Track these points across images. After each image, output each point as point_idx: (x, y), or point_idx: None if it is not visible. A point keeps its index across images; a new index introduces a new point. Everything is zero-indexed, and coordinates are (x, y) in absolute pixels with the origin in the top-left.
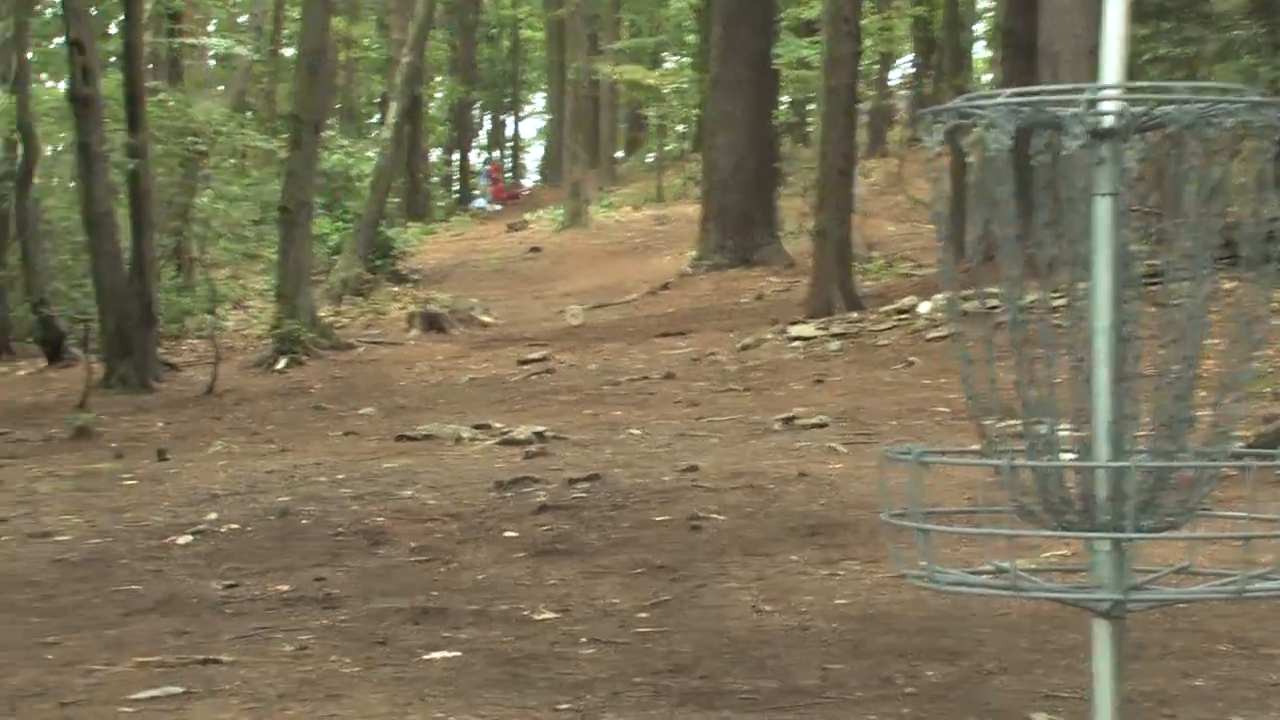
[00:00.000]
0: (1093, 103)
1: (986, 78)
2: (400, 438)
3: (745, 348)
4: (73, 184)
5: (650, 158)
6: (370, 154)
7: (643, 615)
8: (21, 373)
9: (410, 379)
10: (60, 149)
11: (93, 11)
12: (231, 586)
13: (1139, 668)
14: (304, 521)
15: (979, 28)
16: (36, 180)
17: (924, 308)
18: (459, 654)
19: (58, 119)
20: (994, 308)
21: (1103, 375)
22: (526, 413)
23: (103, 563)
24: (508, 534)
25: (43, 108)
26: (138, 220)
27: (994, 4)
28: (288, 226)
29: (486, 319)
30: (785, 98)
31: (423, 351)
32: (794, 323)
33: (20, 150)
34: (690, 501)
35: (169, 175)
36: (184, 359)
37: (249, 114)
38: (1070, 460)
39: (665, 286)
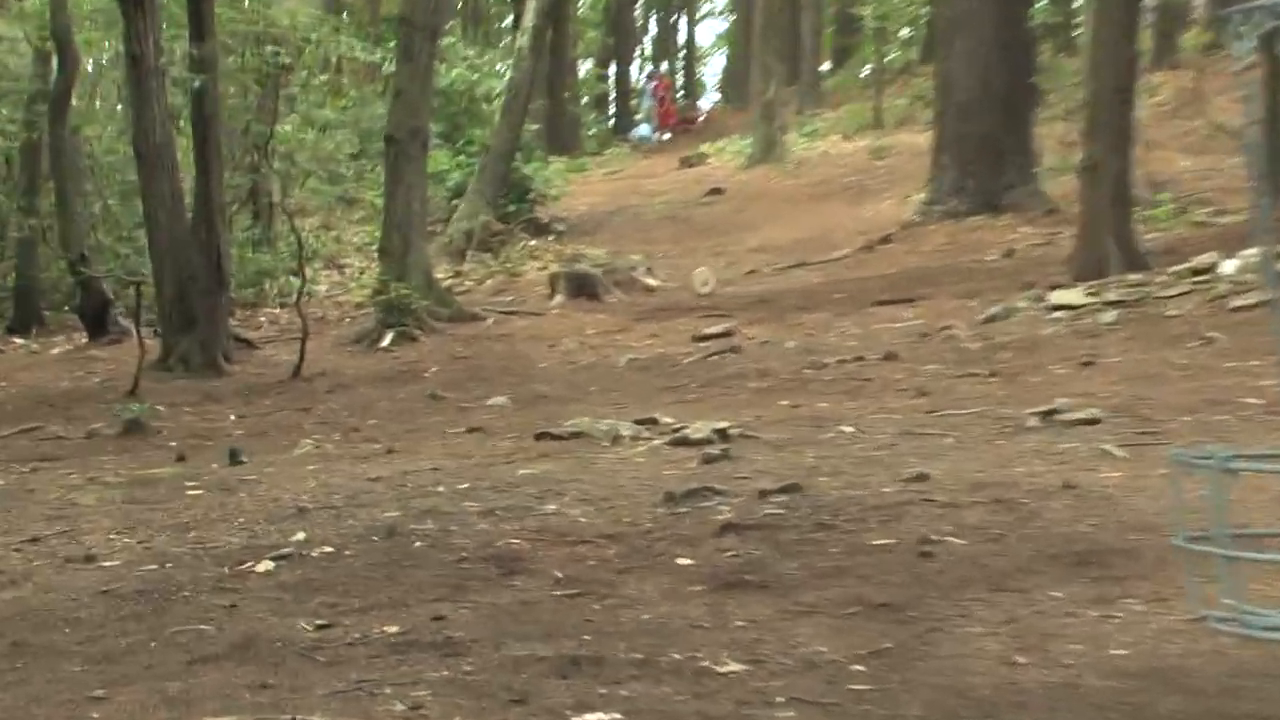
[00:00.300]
0: None
1: None
2: (541, 436)
3: (991, 319)
4: (120, 107)
5: (866, 71)
6: (501, 68)
7: (858, 668)
8: (56, 350)
9: (553, 360)
10: (105, 62)
11: None
12: (325, 627)
13: None
14: (418, 544)
15: None
16: (75, 102)
17: (1228, 267)
18: (618, 716)
19: (102, 24)
20: None
21: None
22: (704, 404)
23: (161, 595)
24: (681, 561)
25: (82, 10)
26: (203, 154)
27: None
28: (396, 162)
29: (652, 282)
30: None
31: (569, 324)
32: (1055, 287)
33: (54, 64)
34: (919, 520)
35: (243, 96)
36: (263, 333)
37: (345, 16)
38: None
39: (885, 239)
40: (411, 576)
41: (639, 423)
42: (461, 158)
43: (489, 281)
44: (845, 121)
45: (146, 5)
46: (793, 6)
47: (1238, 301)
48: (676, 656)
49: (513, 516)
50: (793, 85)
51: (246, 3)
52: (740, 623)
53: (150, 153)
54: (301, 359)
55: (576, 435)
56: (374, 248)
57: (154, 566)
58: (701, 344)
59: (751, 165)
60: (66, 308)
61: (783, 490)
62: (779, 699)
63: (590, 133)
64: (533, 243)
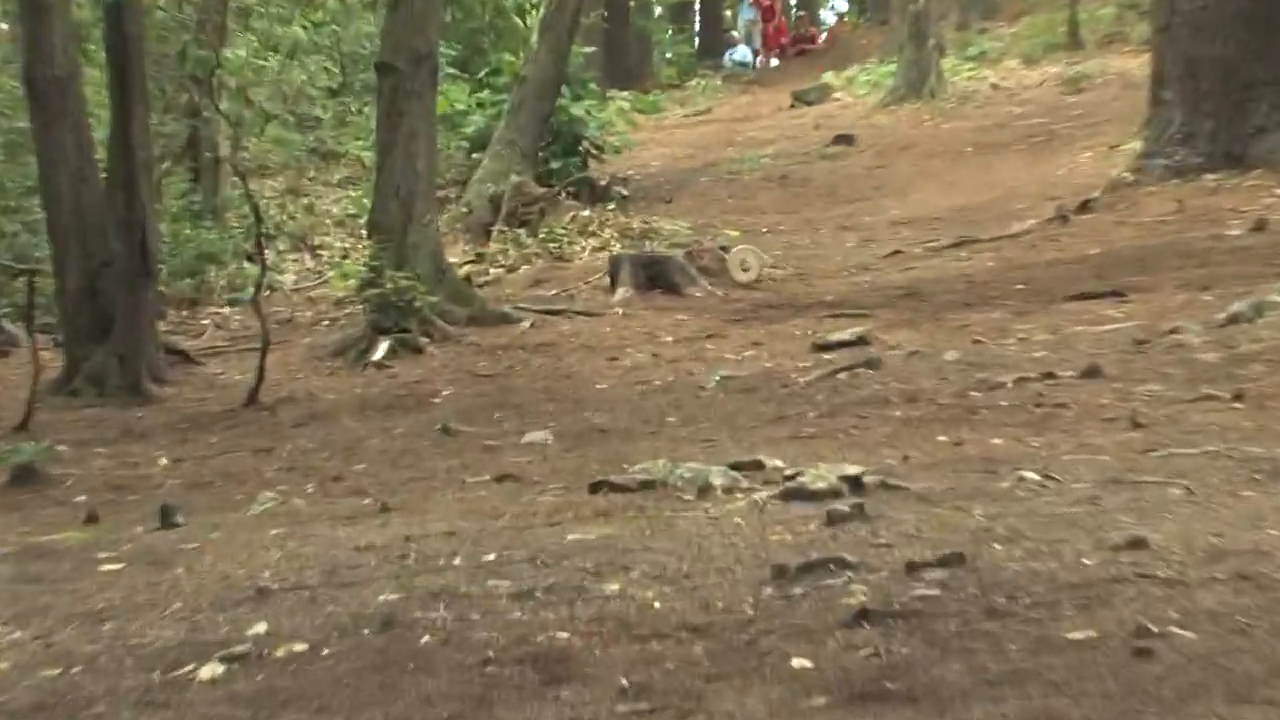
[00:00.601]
0: None
1: None
2: (598, 487)
3: (1234, 320)
4: (5, 26)
5: None
6: None
7: None
8: None
9: (614, 379)
10: None
11: None
12: None
13: None
14: (425, 639)
15: None
16: None
17: None
18: None
19: None
20: None
21: None
22: (828, 441)
23: (66, 711)
24: (796, 663)
25: None
26: (122, 91)
27: None
28: (392, 100)
29: (753, 268)
30: None
31: (637, 328)
32: None
33: None
34: (1132, 604)
35: (178, 9)
36: (206, 342)
37: None
38: None
39: (1084, 207)
40: (417, 685)
41: (736, 467)
42: (485, 94)
43: (524, 268)
44: (1027, 41)
45: None
46: None
47: None
48: None
49: (559, 601)
50: None
51: None
52: None
53: (48, 90)
54: (260, 379)
55: (648, 486)
56: (361, 221)
57: (56, 671)
58: (825, 356)
59: (894, 103)
60: None
61: (940, 563)
62: None
63: (667, 58)
64: (586, 213)
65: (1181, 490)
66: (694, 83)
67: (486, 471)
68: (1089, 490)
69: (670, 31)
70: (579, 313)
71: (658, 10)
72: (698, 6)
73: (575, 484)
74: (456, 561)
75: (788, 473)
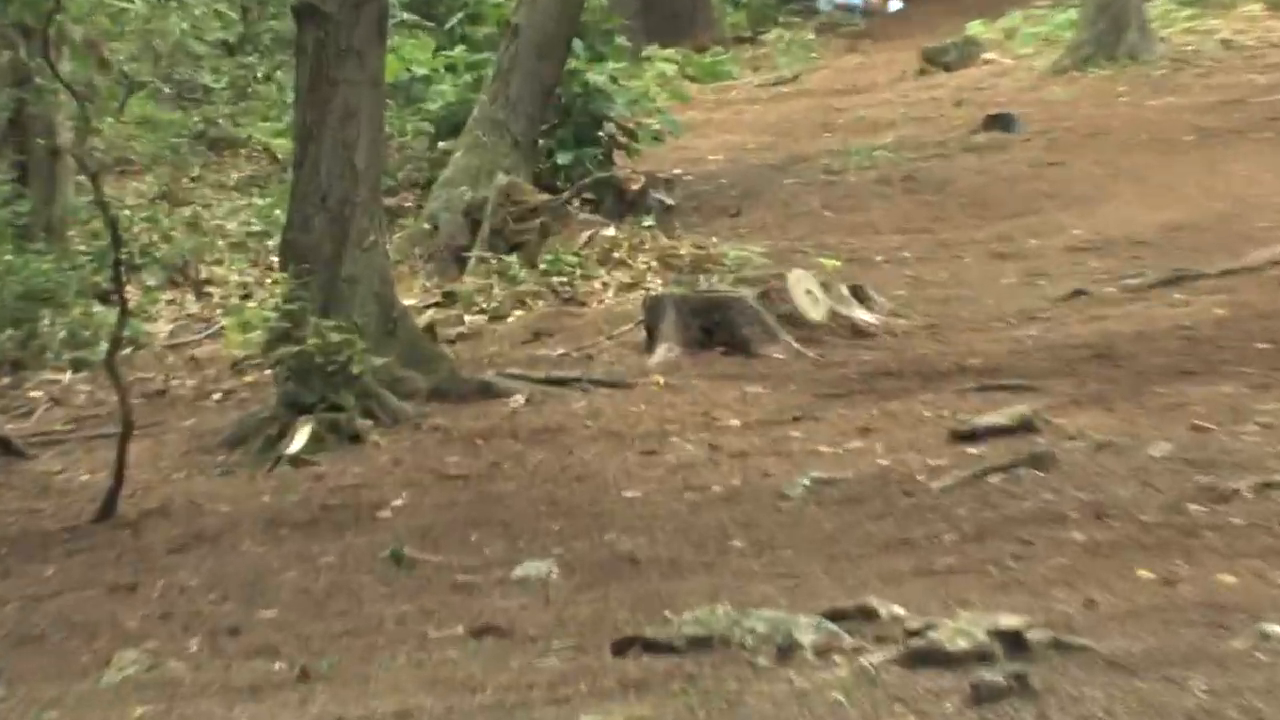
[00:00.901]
0: None
1: None
2: (626, 645)
3: None
4: None
5: None
6: None
7: None
8: None
9: (651, 483)
10: None
11: None
12: None
13: None
14: None
15: None
16: None
17: None
18: None
19: None
20: None
21: None
22: (973, 577)
23: None
24: None
25: None
26: None
27: None
28: (319, 62)
29: (863, 315)
30: None
31: (687, 405)
32: None
33: None
34: None
35: None
36: (36, 424)
37: None
38: None
39: None
40: None
41: (835, 617)
42: (458, 52)
43: (517, 315)
44: None
45: None
46: None
47: None
48: None
49: None
50: None
51: None
52: None
53: None
54: (119, 481)
55: (702, 644)
56: (272, 243)
57: None
58: (970, 449)
59: (1076, 68)
60: None
61: None
62: None
63: (732, 2)
64: (610, 232)
65: None
66: (774, 36)
67: (459, 622)
68: None
69: None
70: (599, 382)
71: None
72: None
73: (592, 641)
74: None
75: (912, 625)
